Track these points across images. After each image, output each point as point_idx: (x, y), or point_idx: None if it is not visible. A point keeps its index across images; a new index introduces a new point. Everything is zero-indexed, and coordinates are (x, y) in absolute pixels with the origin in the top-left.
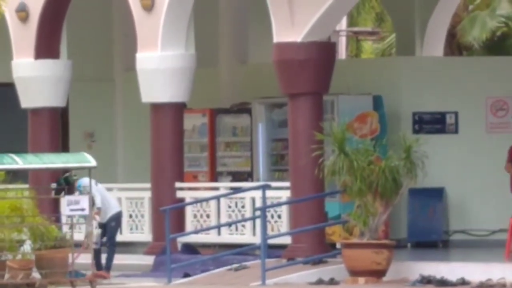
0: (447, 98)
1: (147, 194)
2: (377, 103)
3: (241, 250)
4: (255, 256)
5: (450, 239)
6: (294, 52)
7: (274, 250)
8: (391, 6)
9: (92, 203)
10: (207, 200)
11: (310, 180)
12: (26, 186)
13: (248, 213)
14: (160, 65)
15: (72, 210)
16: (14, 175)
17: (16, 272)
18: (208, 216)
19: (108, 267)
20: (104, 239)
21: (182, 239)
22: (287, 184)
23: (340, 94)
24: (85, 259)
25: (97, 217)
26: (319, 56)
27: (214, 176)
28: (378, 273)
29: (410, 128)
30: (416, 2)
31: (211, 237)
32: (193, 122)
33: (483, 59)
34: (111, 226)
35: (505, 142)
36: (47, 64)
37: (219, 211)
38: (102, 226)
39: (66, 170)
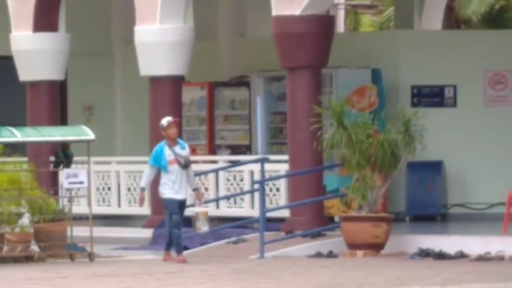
0: (445, 71)
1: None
2: (376, 76)
3: (240, 223)
4: (254, 229)
5: (449, 212)
6: (293, 25)
7: (272, 224)
8: None
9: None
10: (205, 173)
11: (309, 153)
12: (25, 159)
13: (246, 187)
14: (159, 38)
15: (70, 183)
16: (13, 148)
17: (14, 245)
18: (206, 189)
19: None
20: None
21: None
22: (285, 157)
23: (339, 68)
24: (83, 232)
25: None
26: (318, 30)
27: (213, 149)
28: (376, 246)
29: (408, 101)
30: None
31: (209, 210)
32: (191, 95)
33: (481, 32)
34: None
35: (503, 116)
36: (46, 37)
37: (217, 184)
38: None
39: (64, 144)
